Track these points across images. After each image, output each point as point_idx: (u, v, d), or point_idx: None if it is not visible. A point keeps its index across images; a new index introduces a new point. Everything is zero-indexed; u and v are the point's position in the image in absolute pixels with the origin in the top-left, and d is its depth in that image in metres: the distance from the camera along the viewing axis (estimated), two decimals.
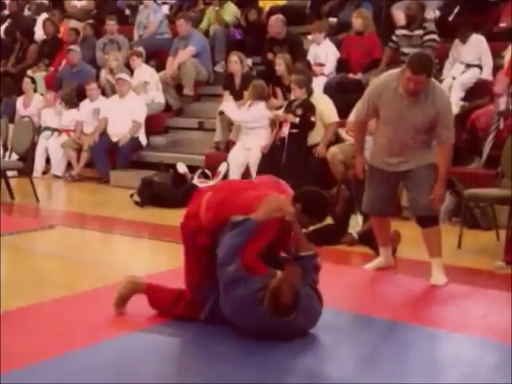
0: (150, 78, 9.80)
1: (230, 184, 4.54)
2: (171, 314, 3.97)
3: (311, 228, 4.16)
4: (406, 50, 8.07)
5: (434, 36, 7.97)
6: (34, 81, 10.70)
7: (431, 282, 4.76)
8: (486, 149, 6.88)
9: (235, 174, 8.04)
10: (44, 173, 9.89)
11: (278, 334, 3.61)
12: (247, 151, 8.03)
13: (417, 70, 4.46)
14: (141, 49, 10.42)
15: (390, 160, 4.76)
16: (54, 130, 10.01)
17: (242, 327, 3.66)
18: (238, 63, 8.80)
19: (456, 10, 8.38)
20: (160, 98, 9.87)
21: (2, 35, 12.67)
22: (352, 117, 5.00)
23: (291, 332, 3.64)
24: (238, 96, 8.75)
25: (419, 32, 7.99)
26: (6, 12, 13.58)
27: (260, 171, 7.77)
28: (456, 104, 7.56)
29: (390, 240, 5.23)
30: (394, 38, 8.24)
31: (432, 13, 8.49)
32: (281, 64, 8.37)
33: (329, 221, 5.83)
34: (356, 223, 5.90)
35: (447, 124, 4.64)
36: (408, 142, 4.67)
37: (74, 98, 10.09)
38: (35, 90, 10.82)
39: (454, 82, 7.67)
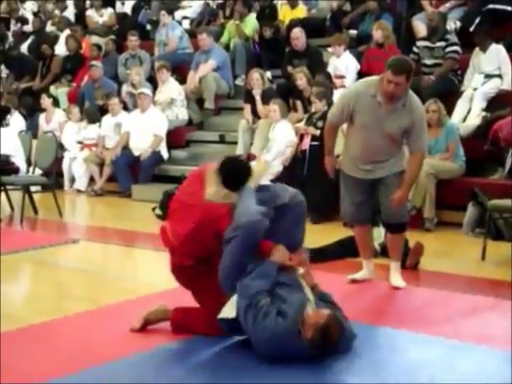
0: (177, 95, 9.86)
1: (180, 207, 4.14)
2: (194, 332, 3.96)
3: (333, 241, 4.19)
4: (427, 61, 8.07)
5: (457, 48, 7.95)
6: (51, 96, 10.81)
7: (393, 285, 4.91)
8: (509, 159, 6.83)
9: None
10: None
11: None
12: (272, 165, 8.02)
13: (398, 71, 4.48)
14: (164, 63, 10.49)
15: (363, 167, 4.76)
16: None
17: (275, 357, 3.52)
18: (259, 80, 8.83)
19: (477, 20, 8.34)
20: (184, 115, 9.94)
21: (26, 52, 12.82)
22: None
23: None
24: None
25: (441, 43, 7.97)
26: (28, 27, 13.77)
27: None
28: (478, 115, 7.53)
29: (398, 251, 5.15)
30: (415, 49, 8.23)
31: (453, 24, 8.47)
32: (302, 78, 8.38)
33: (351, 232, 5.82)
34: (378, 235, 5.86)
35: (420, 134, 4.67)
36: (381, 149, 4.69)
37: (96, 113, 10.19)
38: (57, 105, 10.94)
39: (475, 92, 7.64)
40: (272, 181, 7.90)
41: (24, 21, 13.90)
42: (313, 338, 3.45)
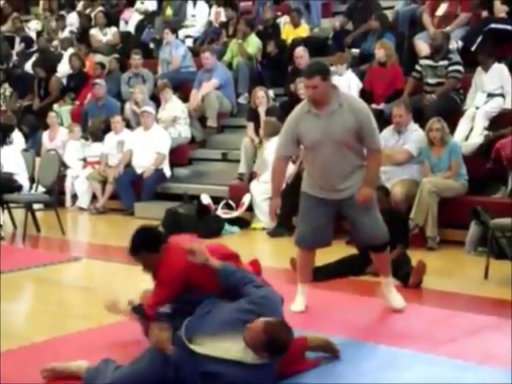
0: (180, 113, 9.90)
1: None
2: None
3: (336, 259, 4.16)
4: (430, 80, 8.09)
5: (459, 67, 7.98)
6: (57, 114, 10.87)
7: (393, 307, 4.74)
8: None
9: (258, 206, 8.07)
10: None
11: None
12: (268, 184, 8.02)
13: (309, 74, 4.42)
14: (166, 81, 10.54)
15: (325, 187, 4.57)
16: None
17: None
18: (264, 98, 8.87)
19: (478, 40, 8.38)
20: (187, 133, 9.97)
21: (29, 70, 12.89)
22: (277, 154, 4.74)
23: None
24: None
25: (444, 62, 8.00)
26: (33, 46, 13.87)
27: (284, 202, 7.77)
28: (480, 133, 7.54)
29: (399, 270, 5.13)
30: (417, 67, 8.26)
31: (455, 43, 8.51)
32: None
33: (353, 250, 5.81)
34: None
35: (372, 132, 4.50)
36: (339, 165, 4.50)
37: (100, 131, 10.22)
38: (61, 124, 10.99)
39: (478, 111, 7.65)
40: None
41: (28, 40, 13.97)
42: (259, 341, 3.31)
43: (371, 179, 4.59)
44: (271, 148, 8.05)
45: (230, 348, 3.33)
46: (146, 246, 3.84)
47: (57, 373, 3.70)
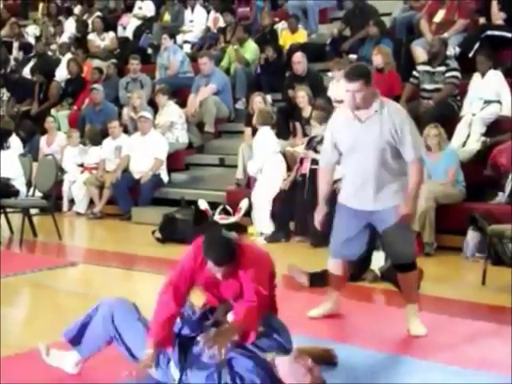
0: (177, 118, 9.90)
1: None
2: None
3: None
4: (427, 86, 8.11)
5: (457, 73, 8.00)
6: (55, 119, 10.88)
7: (412, 334, 4.42)
8: (509, 184, 6.84)
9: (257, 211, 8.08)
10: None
11: None
12: (264, 183, 8.07)
13: (352, 77, 4.24)
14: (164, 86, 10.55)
15: (359, 197, 4.41)
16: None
17: None
18: (262, 103, 8.88)
19: (476, 46, 8.40)
20: (184, 138, 9.98)
21: (28, 75, 12.90)
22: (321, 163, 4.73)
23: None
24: None
25: (441, 68, 8.02)
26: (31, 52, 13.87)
27: (281, 207, 7.80)
28: (477, 140, 7.56)
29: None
30: (415, 73, 8.27)
31: (452, 49, 8.52)
32: (304, 96, 8.43)
33: None
34: (378, 259, 5.86)
35: (410, 138, 4.28)
36: (375, 169, 4.32)
37: (98, 136, 10.22)
38: (58, 129, 10.99)
39: (474, 117, 7.67)
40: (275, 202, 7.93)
41: (26, 46, 13.97)
42: None
43: (413, 194, 4.36)
44: (259, 138, 8.10)
45: None
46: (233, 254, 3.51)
47: None
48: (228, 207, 8.25)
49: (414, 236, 4.57)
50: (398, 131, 4.26)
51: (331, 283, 4.80)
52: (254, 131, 8.85)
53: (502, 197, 6.96)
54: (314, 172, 7.48)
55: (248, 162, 8.44)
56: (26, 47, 13.95)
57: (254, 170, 8.22)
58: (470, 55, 8.36)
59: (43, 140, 10.70)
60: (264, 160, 8.04)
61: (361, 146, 4.33)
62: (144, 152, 9.40)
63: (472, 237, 6.60)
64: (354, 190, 4.45)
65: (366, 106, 4.28)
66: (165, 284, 3.58)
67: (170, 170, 9.65)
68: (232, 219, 8.07)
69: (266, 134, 8.13)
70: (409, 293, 4.56)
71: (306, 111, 8.34)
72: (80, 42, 13.13)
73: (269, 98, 9.50)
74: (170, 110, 9.98)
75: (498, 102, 7.77)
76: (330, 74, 9.26)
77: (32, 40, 14.22)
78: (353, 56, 9.74)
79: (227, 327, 3.40)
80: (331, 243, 4.65)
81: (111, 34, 12.84)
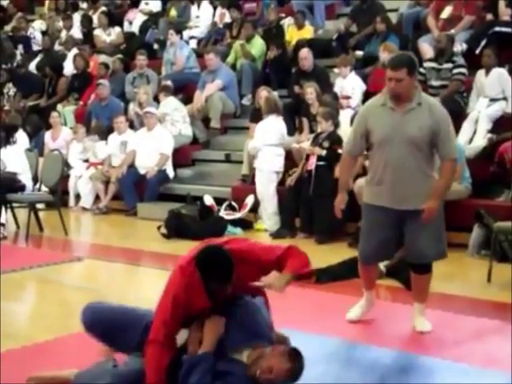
0: (171, 110, 9.89)
1: None
2: None
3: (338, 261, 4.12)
4: (434, 82, 8.08)
5: (463, 70, 7.97)
6: (60, 114, 10.89)
7: (417, 329, 4.43)
8: None
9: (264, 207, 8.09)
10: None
11: None
12: (260, 172, 8.08)
13: (396, 65, 4.13)
14: (169, 83, 10.56)
15: (390, 193, 4.22)
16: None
17: None
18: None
19: (483, 43, 8.37)
20: (187, 131, 9.96)
21: (34, 70, 12.92)
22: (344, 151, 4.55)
23: None
24: None
25: (448, 65, 7.99)
26: (37, 46, 13.88)
27: (287, 203, 7.80)
28: (483, 136, 7.54)
29: None
30: (421, 70, 8.25)
31: (459, 46, 8.50)
32: (312, 93, 8.42)
33: (356, 253, 5.81)
34: None
35: (447, 136, 4.20)
36: (407, 169, 4.17)
37: (105, 130, 10.22)
38: (65, 124, 11.00)
39: (480, 114, 7.65)
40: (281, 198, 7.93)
41: (27, 41, 13.97)
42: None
43: (440, 190, 4.26)
44: (264, 126, 8.12)
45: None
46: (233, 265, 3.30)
47: (45, 381, 3.56)
48: (234, 203, 8.25)
49: (439, 237, 4.40)
50: (438, 128, 4.14)
51: (365, 284, 4.65)
52: None
53: (507, 194, 6.95)
54: (319, 168, 7.49)
55: (252, 157, 8.49)
56: (26, 43, 13.94)
57: (249, 148, 8.30)
58: (477, 52, 8.33)
59: (48, 135, 10.71)
60: (259, 146, 8.08)
61: (397, 139, 4.15)
62: (150, 147, 9.41)
63: (478, 234, 6.59)
64: (382, 187, 4.24)
65: (407, 97, 4.15)
66: (157, 327, 3.32)
67: (175, 166, 9.65)
68: (237, 215, 8.08)
69: (270, 122, 8.15)
70: (419, 293, 4.49)
71: (314, 107, 8.34)
72: (86, 37, 13.14)
73: (275, 94, 9.50)
74: (166, 103, 9.97)
75: (504, 99, 7.75)
76: (336, 70, 9.23)
77: (38, 35, 14.22)
78: (359, 52, 9.73)
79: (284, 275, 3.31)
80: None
81: (117, 29, 12.84)
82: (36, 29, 14.43)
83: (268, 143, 8.11)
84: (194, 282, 3.27)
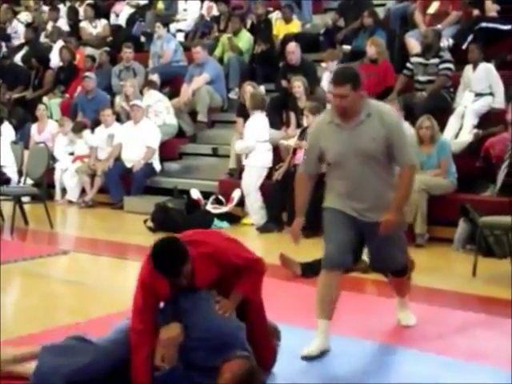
0: (154, 101, 9.86)
1: None
2: None
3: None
4: (421, 77, 8.11)
5: (450, 65, 8.01)
6: (46, 107, 10.83)
7: (402, 323, 4.43)
8: (501, 176, 6.86)
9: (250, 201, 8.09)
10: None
11: None
12: (251, 168, 8.09)
13: (339, 81, 3.94)
14: (156, 76, 10.53)
15: (351, 204, 4.03)
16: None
17: None
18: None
19: (470, 38, 8.40)
20: (172, 121, 9.93)
21: (19, 62, 12.83)
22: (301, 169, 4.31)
23: None
24: None
25: (435, 60, 8.02)
26: (19, 39, 13.78)
27: (274, 198, 7.80)
28: (469, 132, 7.57)
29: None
30: (409, 65, 8.28)
31: (446, 41, 8.52)
32: (300, 86, 8.42)
33: None
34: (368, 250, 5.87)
35: (402, 143, 4.00)
36: (368, 178, 3.97)
37: (81, 127, 10.15)
38: (50, 117, 10.94)
39: (467, 109, 7.68)
40: (265, 195, 7.93)
41: (6, 36, 13.87)
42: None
43: (398, 202, 4.02)
44: (253, 123, 8.13)
45: None
46: (185, 259, 3.37)
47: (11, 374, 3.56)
48: (220, 197, 8.25)
49: (404, 242, 4.25)
50: (391, 136, 3.95)
51: (320, 305, 4.17)
52: (246, 121, 8.86)
53: (493, 188, 6.99)
54: None
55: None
56: (6, 37, 13.82)
57: (239, 149, 8.33)
58: (464, 47, 8.36)
59: (34, 128, 10.65)
60: (252, 145, 8.09)
61: (351, 155, 3.97)
62: (136, 141, 9.38)
63: (463, 228, 6.62)
64: (343, 198, 4.05)
65: (354, 112, 3.96)
66: (134, 316, 3.43)
67: (162, 159, 9.62)
68: (224, 209, 8.08)
69: (258, 119, 8.16)
70: (399, 289, 4.48)
71: (302, 101, 8.34)
72: (72, 29, 13.06)
73: (262, 88, 9.49)
74: (149, 95, 9.94)
75: (490, 94, 7.79)
76: (323, 64, 9.24)
77: (22, 28, 14.09)
78: (346, 47, 9.73)
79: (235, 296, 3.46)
80: (324, 254, 4.14)
81: (103, 21, 12.77)
82: (22, 21, 14.33)
83: (260, 140, 8.10)
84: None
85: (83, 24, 12.81)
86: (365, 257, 5.82)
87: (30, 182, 8.72)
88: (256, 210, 7.97)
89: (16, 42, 13.69)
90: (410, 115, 7.61)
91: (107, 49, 11.89)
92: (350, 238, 4.07)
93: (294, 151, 7.72)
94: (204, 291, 3.47)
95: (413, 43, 8.72)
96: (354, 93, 3.92)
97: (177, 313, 3.42)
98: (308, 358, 3.88)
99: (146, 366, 3.35)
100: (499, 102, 7.74)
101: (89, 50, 12.00)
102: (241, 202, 8.15)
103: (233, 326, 3.43)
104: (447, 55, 8.09)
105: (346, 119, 3.98)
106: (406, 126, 7.45)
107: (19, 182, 8.54)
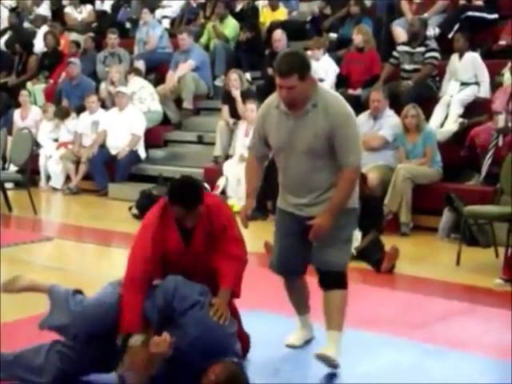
0: (138, 88, 9.80)
1: None
2: None
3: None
4: (407, 66, 8.12)
5: (436, 54, 8.02)
6: (30, 93, 10.74)
7: (318, 351, 3.63)
8: (485, 166, 6.89)
9: (233, 188, 8.07)
10: None
11: None
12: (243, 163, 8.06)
13: (284, 72, 3.43)
14: (141, 62, 10.46)
15: (294, 200, 3.68)
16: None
17: None
18: (237, 80, 8.83)
19: (456, 27, 8.41)
20: (156, 107, 9.88)
21: (3, 47, 12.70)
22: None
23: None
24: (236, 112, 8.77)
25: (421, 49, 8.02)
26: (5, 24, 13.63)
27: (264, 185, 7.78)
28: (455, 121, 7.59)
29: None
30: (395, 53, 8.27)
31: (432, 30, 8.53)
32: None
33: None
34: (354, 238, 5.87)
35: (346, 141, 3.49)
36: (309, 174, 3.58)
37: (65, 112, 10.08)
38: (35, 103, 10.85)
39: (452, 99, 7.70)
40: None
41: None
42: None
43: (334, 206, 3.53)
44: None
45: None
46: (201, 196, 3.44)
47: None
48: (206, 184, 8.22)
49: (346, 244, 3.75)
50: (334, 133, 3.48)
51: (294, 306, 4.01)
52: (232, 108, 8.83)
53: (478, 178, 7.02)
54: None
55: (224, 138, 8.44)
56: None
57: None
58: (450, 36, 8.37)
59: (17, 114, 10.55)
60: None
61: (293, 147, 3.58)
62: (121, 127, 9.33)
63: (448, 217, 6.65)
64: (286, 193, 3.75)
65: (301, 102, 3.50)
66: (135, 265, 3.36)
67: (147, 147, 9.58)
68: None
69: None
70: (329, 316, 3.69)
71: None
72: (57, 14, 12.93)
73: (247, 75, 9.46)
74: (133, 82, 9.90)
75: (476, 83, 7.80)
76: (309, 52, 9.20)
77: (5, 12, 13.95)
78: (333, 35, 9.71)
79: (223, 293, 3.38)
80: (275, 261, 3.85)
81: (88, 6, 12.67)
82: (6, 5, 14.17)
83: None
84: (168, 217, 3.42)
85: (68, 9, 12.71)
86: None
87: (13, 168, 8.66)
88: (242, 198, 7.95)
89: None
90: (396, 104, 7.61)
91: (92, 34, 11.80)
92: (295, 246, 3.72)
93: None
94: (199, 286, 3.38)
95: (399, 32, 8.72)
96: (301, 83, 3.44)
97: (171, 315, 3.33)
98: (292, 347, 3.88)
99: (139, 310, 3.26)
100: (485, 91, 7.75)
101: (73, 36, 11.90)
102: (224, 190, 8.13)
103: (226, 332, 3.33)
104: (433, 44, 8.10)
105: (292, 109, 3.55)
106: (391, 113, 7.48)
107: (3, 168, 8.47)
